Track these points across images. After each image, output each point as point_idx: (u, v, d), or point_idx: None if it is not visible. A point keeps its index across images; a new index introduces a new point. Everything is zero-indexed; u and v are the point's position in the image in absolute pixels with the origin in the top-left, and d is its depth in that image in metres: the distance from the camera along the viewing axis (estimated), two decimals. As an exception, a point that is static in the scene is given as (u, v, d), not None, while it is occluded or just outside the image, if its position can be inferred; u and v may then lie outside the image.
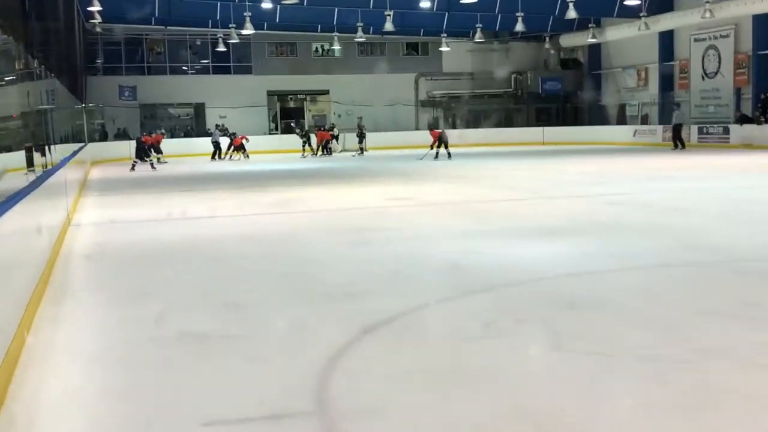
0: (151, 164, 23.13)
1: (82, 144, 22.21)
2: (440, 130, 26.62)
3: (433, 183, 16.64)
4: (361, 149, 30.90)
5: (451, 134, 27.70)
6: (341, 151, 32.26)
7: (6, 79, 7.09)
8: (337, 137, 31.78)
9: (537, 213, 10.86)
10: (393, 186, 16.15)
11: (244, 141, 28.99)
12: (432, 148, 25.49)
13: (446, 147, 25.34)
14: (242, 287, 6.32)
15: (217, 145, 29.14)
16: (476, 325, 4.94)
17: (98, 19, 30.03)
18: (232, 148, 29.04)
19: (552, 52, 38.52)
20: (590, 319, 5.02)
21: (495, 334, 4.77)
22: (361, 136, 31.38)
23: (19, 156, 7.06)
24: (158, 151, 27.06)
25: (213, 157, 29.05)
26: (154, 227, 10.66)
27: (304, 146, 30.21)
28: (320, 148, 30.27)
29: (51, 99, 11.17)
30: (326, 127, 33.20)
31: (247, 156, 28.80)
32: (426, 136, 27.38)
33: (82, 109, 27.07)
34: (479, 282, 6.23)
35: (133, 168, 23.21)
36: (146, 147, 23.67)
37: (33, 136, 7.97)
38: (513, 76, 39.09)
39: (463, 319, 5.17)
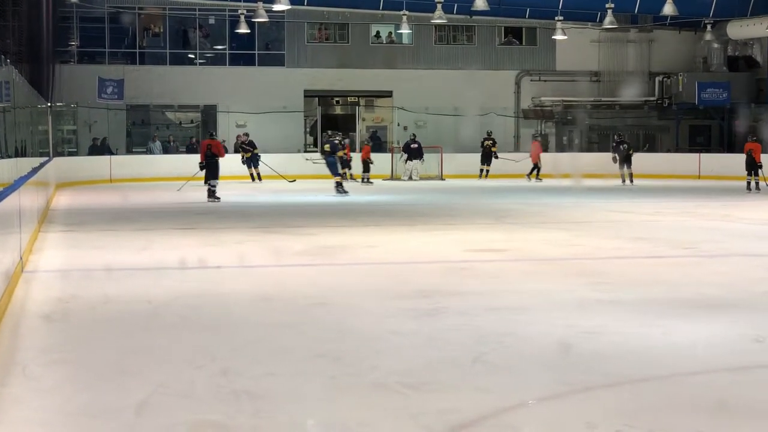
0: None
1: (45, 159, 22.75)
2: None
3: (535, 229, 16.55)
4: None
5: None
6: (419, 177, 32.43)
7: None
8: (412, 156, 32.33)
9: (687, 277, 10.74)
10: (478, 232, 16.11)
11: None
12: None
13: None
14: (257, 370, 6.36)
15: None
16: (591, 439, 4.90)
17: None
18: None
19: (715, 46, 38.14)
20: (759, 436, 4.94)
21: (618, 453, 4.71)
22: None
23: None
24: None
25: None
26: (138, 279, 10.80)
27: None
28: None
29: (5, 94, 11.50)
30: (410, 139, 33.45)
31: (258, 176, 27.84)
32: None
33: (47, 110, 27.74)
34: (598, 375, 6.19)
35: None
36: None
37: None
38: (657, 79, 38.82)
39: (574, 426, 5.13)
